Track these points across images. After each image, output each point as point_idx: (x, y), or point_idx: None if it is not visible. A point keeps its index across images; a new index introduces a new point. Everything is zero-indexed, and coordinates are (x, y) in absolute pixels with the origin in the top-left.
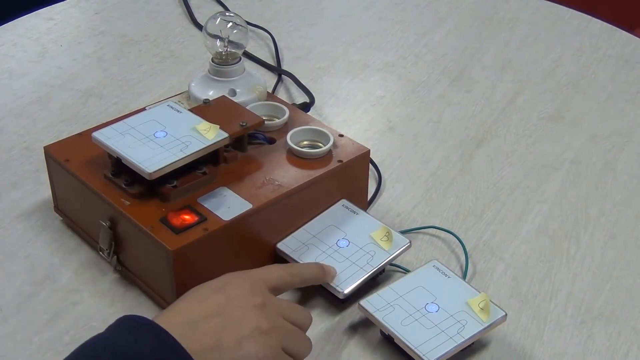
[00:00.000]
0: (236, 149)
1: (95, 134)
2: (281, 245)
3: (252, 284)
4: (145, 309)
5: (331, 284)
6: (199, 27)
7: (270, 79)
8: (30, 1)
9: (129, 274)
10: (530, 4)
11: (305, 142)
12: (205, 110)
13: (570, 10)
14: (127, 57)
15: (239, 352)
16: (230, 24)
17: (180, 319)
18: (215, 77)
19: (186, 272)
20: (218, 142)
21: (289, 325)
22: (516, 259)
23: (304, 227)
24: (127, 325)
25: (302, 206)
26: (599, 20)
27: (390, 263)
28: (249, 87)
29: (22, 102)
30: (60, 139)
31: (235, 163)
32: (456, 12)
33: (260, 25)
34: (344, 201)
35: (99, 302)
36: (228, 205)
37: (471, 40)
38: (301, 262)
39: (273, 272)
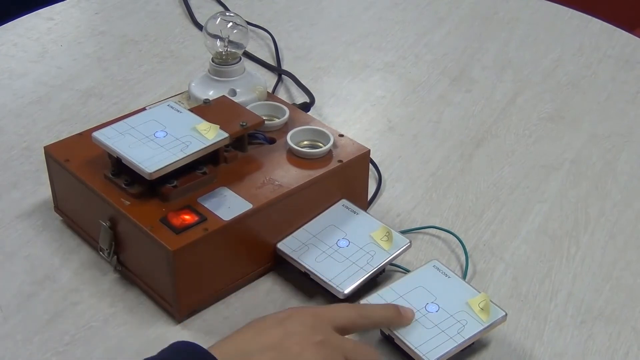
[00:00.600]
0: (236, 149)
1: (95, 134)
2: (281, 245)
3: (315, 321)
4: (145, 309)
5: (331, 284)
6: (199, 27)
7: (270, 79)
8: (30, 1)
9: (129, 274)
10: (530, 4)
11: (305, 142)
12: (205, 110)
13: (570, 10)
14: (127, 57)
15: None
16: (230, 24)
17: (235, 350)
18: (215, 77)
19: (186, 272)
20: (218, 142)
21: None
22: (516, 259)
23: (304, 227)
24: (180, 352)
25: (302, 206)
26: (599, 20)
27: (390, 263)
28: (249, 87)
29: (22, 102)
30: (60, 139)
31: (235, 163)
32: (456, 12)
33: (260, 25)
34: (344, 201)
35: (99, 302)
36: (228, 205)
37: (471, 40)
38: (301, 262)
39: (340, 312)
